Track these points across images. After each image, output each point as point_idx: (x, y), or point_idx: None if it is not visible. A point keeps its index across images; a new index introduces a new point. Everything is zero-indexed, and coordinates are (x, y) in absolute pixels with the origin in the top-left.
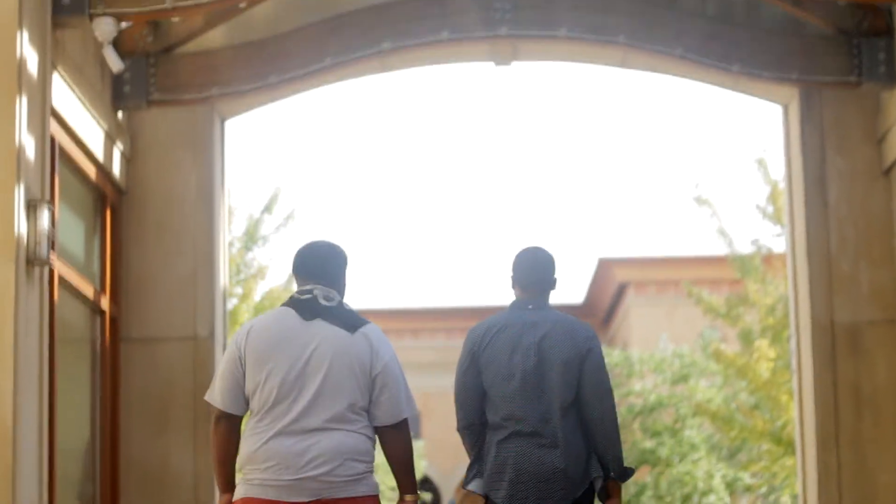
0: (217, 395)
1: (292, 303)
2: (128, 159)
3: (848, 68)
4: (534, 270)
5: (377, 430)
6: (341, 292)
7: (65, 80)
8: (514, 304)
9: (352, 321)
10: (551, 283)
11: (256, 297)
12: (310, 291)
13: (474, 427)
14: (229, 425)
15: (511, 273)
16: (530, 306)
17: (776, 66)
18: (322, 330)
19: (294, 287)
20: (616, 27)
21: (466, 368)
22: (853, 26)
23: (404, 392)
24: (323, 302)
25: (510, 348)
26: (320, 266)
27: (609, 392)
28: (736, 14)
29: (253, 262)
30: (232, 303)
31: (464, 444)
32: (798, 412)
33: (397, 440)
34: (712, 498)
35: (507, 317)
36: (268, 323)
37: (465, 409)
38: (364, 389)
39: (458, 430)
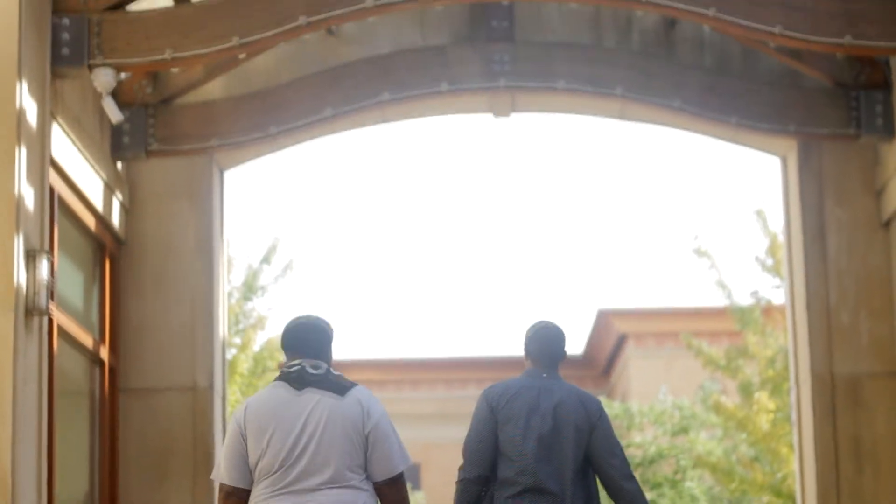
0: (224, 473)
1: (283, 377)
2: (127, 209)
3: (846, 120)
4: (546, 345)
5: (375, 485)
6: (328, 362)
7: (64, 131)
8: (528, 371)
9: (341, 386)
10: (562, 356)
11: (255, 347)
12: (298, 364)
13: (482, 479)
14: (237, 501)
15: (524, 345)
16: (544, 375)
17: (774, 119)
18: (314, 397)
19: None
20: (614, 79)
21: (485, 422)
22: (851, 79)
23: (397, 447)
24: (311, 371)
25: (528, 410)
26: (305, 340)
27: (624, 455)
28: (734, 66)
29: (252, 313)
30: (231, 353)
31: (460, 497)
32: (798, 465)
33: (394, 494)
34: None
35: (524, 382)
36: (263, 398)
37: (479, 460)
38: (359, 448)
39: (465, 481)
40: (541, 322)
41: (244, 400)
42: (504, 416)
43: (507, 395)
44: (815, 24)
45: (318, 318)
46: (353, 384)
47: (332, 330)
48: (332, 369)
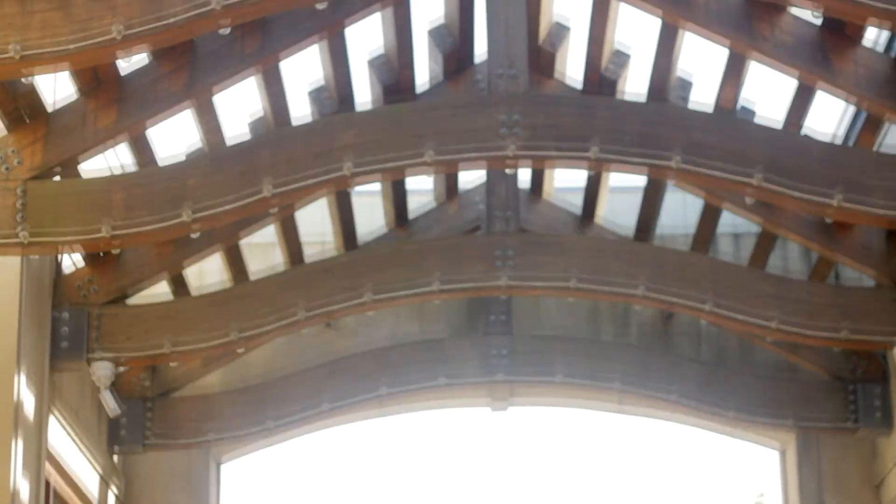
0: None
1: None
2: (122, 502)
3: (844, 413)
4: None
5: None
6: None
7: (61, 423)
8: None
9: None
10: None
11: None
12: None
13: None
14: None
15: None
16: None
17: (772, 411)
18: None
19: None
20: (611, 372)
21: None
22: (848, 372)
23: None
24: None
25: None
26: None
27: None
28: (730, 358)
29: None
30: None
31: None
32: None
33: None
34: None
35: None
36: None
37: None
38: None
39: None
40: None
41: None
42: None
43: None
44: (812, 318)
45: None
46: None
47: None
48: None
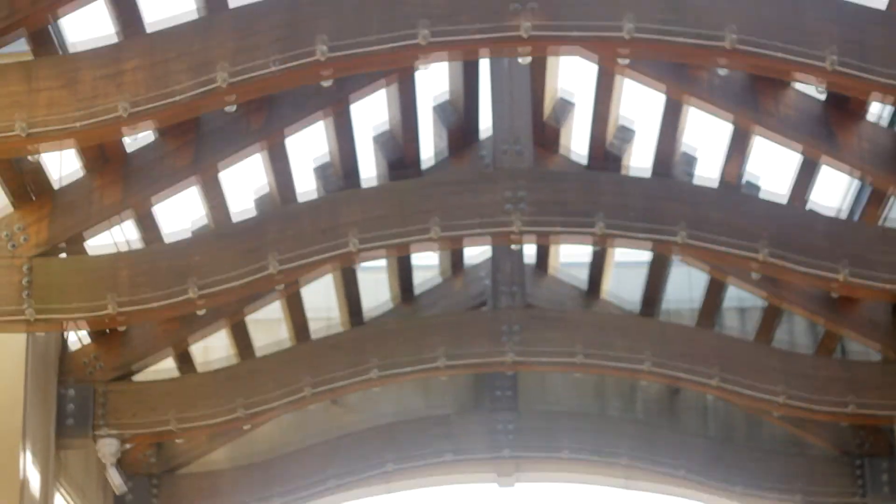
0: None
1: None
2: None
3: (851, 488)
4: None
5: None
6: None
7: (67, 500)
8: None
9: None
10: None
11: None
12: None
13: None
14: None
15: None
16: None
17: (779, 486)
18: None
19: None
20: (618, 447)
21: None
22: (855, 446)
23: None
24: None
25: None
26: None
27: None
28: (738, 434)
29: None
30: None
31: None
32: None
33: None
34: None
35: None
36: None
37: None
38: None
39: None
40: None
41: None
42: None
43: None
44: (818, 392)
45: None
46: None
47: None
48: None
